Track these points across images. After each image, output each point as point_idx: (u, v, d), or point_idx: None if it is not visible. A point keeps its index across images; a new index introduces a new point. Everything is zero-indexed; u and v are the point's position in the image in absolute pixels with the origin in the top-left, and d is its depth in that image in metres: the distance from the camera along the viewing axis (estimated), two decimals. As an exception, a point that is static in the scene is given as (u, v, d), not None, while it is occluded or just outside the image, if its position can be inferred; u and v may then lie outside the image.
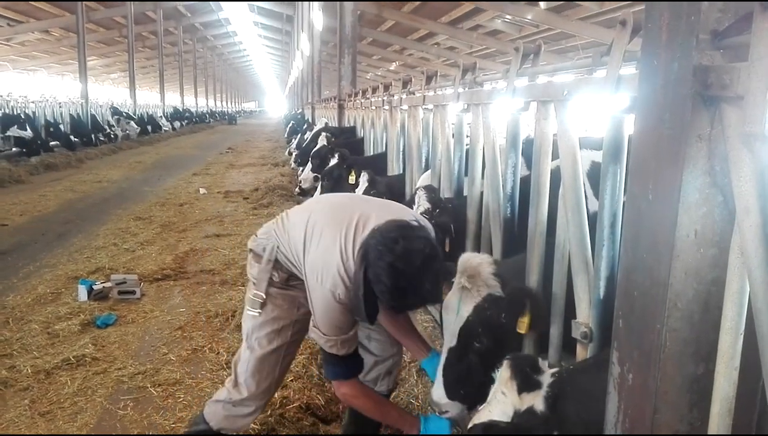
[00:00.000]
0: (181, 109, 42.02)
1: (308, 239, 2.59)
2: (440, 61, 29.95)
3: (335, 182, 6.44)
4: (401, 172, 6.01)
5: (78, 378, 4.03)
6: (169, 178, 14.42)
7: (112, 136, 23.67)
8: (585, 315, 2.21)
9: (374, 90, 8.53)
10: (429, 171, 4.78)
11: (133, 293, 5.64)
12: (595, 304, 2.13)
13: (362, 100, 9.49)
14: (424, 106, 4.97)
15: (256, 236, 2.87)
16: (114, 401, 3.78)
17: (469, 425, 1.91)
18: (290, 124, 22.35)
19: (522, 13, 18.89)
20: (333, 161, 6.84)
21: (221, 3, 37.46)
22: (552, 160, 2.63)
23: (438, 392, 2.48)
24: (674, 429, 1.48)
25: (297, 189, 9.00)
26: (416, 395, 3.78)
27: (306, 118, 21.86)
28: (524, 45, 2.86)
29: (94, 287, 5.59)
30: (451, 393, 2.46)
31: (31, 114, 19.33)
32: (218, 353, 4.41)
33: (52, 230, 8.51)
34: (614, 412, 1.65)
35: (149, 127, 29.29)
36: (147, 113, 31.88)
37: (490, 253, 3.37)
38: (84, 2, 25.74)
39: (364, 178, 5.17)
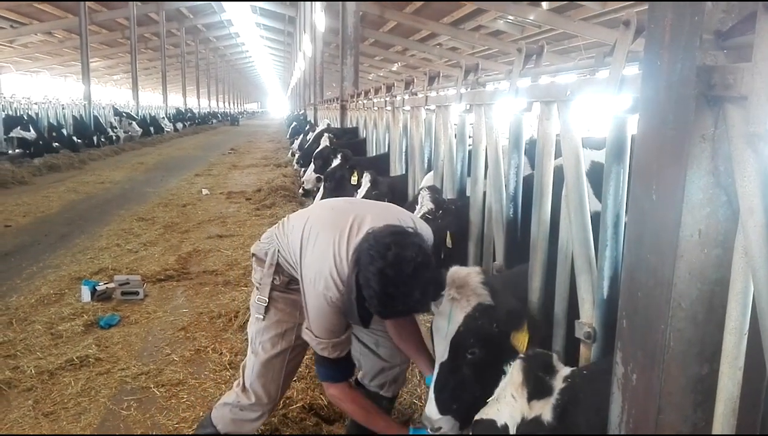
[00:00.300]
0: (183, 111, 42.08)
1: (305, 242, 2.61)
2: (442, 61, 29.96)
3: (338, 183, 6.43)
4: (404, 172, 6.01)
5: (81, 379, 4.03)
6: (172, 179, 14.44)
7: (114, 138, 23.69)
8: (588, 315, 2.20)
9: (377, 91, 8.53)
10: (432, 172, 4.78)
11: (136, 293, 5.65)
12: (599, 304, 2.13)
13: (365, 101, 9.48)
14: (426, 107, 4.97)
15: (260, 240, 2.89)
16: (117, 401, 3.78)
17: (476, 417, 1.90)
18: (293, 125, 22.37)
19: (524, 13, 18.88)
20: (335, 162, 6.84)
21: (223, 4, 37.49)
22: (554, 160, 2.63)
23: (430, 408, 2.45)
24: (678, 430, 1.48)
25: (300, 190, 9.00)
26: (419, 395, 3.78)
27: (308, 119, 21.87)
28: (527, 45, 2.86)
29: (98, 288, 5.60)
30: (443, 408, 2.44)
31: (34, 115, 19.37)
32: (221, 353, 4.42)
33: (55, 231, 8.53)
34: (618, 412, 1.65)
35: (152, 129, 29.34)
36: (149, 114, 31.94)
37: (493, 253, 3.37)
38: (87, 3, 25.80)
39: (366, 178, 5.17)
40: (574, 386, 1.82)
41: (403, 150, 6.17)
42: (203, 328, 4.93)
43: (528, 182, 2.98)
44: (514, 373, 1.85)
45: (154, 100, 48.52)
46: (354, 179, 5.99)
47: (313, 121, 19.14)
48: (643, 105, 1.55)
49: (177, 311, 5.34)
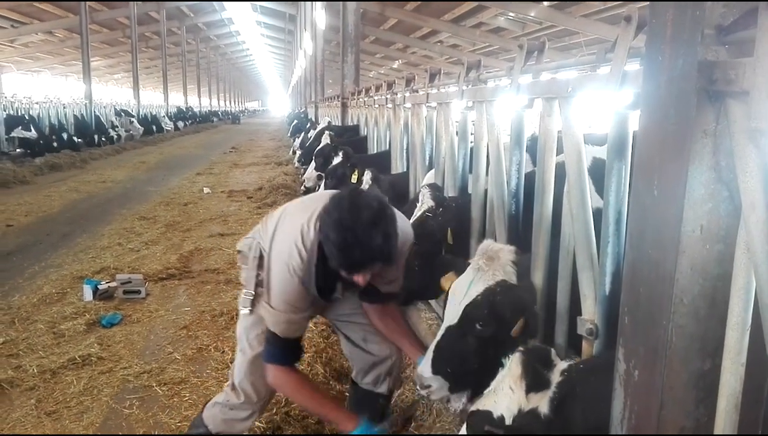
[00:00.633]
0: (184, 109, 42.09)
1: (278, 225, 2.64)
2: (443, 59, 29.92)
3: (338, 181, 6.43)
4: (405, 170, 6.01)
5: (84, 378, 4.04)
6: (173, 178, 14.44)
7: (115, 137, 23.70)
8: (590, 312, 2.21)
9: (377, 88, 8.52)
10: (434, 169, 4.78)
11: (138, 292, 5.66)
12: (601, 300, 2.13)
13: (365, 99, 9.48)
14: (427, 104, 4.97)
15: (245, 237, 2.90)
16: (120, 400, 3.79)
17: (471, 408, 1.90)
18: (293, 123, 22.37)
19: (525, 10, 18.87)
20: (336, 160, 6.84)
21: (224, 3, 37.49)
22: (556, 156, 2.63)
23: (425, 366, 2.46)
24: (680, 425, 1.48)
25: (301, 188, 9.00)
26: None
27: (309, 117, 21.87)
28: (528, 42, 2.86)
29: (99, 287, 5.60)
30: (437, 368, 2.44)
31: (35, 115, 19.38)
32: (223, 351, 4.42)
33: (57, 231, 8.53)
34: (620, 408, 1.65)
35: (153, 127, 29.36)
36: (150, 113, 31.94)
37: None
38: (87, 3, 25.80)
39: (367, 176, 5.17)
40: (571, 379, 1.83)
41: (404, 147, 6.16)
42: (205, 326, 4.93)
43: (530, 179, 2.98)
44: (512, 365, 1.86)
45: (156, 98, 48.56)
46: (355, 177, 5.99)
47: (314, 119, 19.14)
48: (644, 101, 1.55)
49: (179, 310, 5.34)
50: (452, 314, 2.48)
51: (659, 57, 1.43)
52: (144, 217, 9.49)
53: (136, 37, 31.91)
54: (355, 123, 11.43)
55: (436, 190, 3.75)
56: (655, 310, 1.47)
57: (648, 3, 1.50)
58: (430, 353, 2.48)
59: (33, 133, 17.46)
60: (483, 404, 1.89)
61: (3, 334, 4.72)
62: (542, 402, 1.79)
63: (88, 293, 5.55)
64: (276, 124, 46.92)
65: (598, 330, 2.15)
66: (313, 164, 8.61)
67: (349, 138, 9.85)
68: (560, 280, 2.48)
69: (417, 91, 5.58)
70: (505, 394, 1.83)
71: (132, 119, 27.12)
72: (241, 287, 2.84)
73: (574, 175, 2.30)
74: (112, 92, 50.89)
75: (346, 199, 2.32)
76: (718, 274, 1.40)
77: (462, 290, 2.46)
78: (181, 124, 36.21)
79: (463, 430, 1.96)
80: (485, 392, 1.97)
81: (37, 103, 21.18)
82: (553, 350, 1.95)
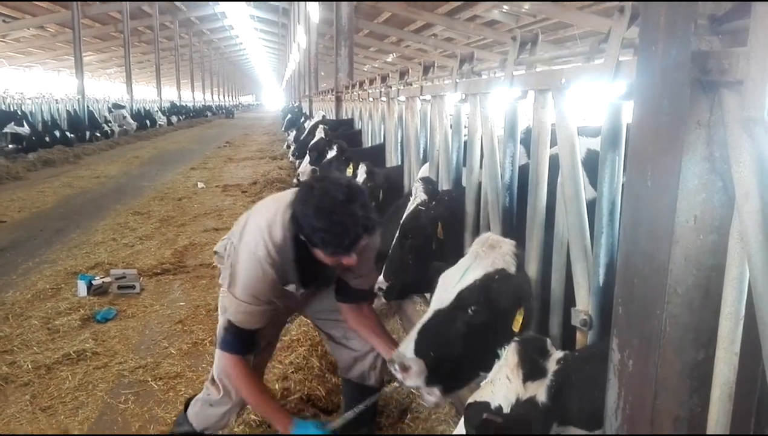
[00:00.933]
0: (178, 104, 41.89)
1: (246, 223, 2.67)
2: (437, 52, 29.85)
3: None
4: (399, 163, 6.00)
5: (79, 373, 4.03)
6: (167, 172, 14.40)
7: (108, 132, 23.58)
8: (584, 303, 2.21)
9: (371, 81, 8.50)
10: (428, 162, 4.77)
11: (133, 287, 5.64)
12: (595, 291, 2.13)
13: (360, 92, 9.46)
14: (421, 97, 4.96)
15: (222, 239, 2.92)
16: (115, 395, 3.78)
17: (469, 400, 1.91)
18: (288, 118, 22.29)
19: (519, 3, 18.82)
20: (331, 154, 6.83)
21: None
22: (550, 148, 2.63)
23: (407, 346, 2.36)
24: (674, 415, 1.48)
25: (295, 181, 8.99)
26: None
27: (303, 111, 21.80)
28: (522, 34, 2.85)
29: (94, 282, 5.59)
30: (420, 350, 2.34)
31: (27, 111, 19.25)
32: (219, 346, 4.41)
33: (51, 226, 8.50)
34: (614, 398, 1.65)
35: (147, 122, 29.21)
36: (144, 108, 31.77)
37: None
38: (79, -3, 25.63)
39: (362, 170, 5.17)
40: (567, 368, 1.85)
41: (399, 141, 6.15)
42: (200, 321, 4.93)
43: (524, 171, 2.98)
44: (509, 355, 1.87)
45: (149, 93, 48.30)
46: (349, 171, 5.98)
47: (308, 113, 19.08)
48: (638, 91, 1.54)
49: (174, 305, 5.33)
50: (442, 298, 2.42)
51: (653, 47, 1.42)
52: (138, 212, 9.46)
53: (129, 32, 31.72)
54: (350, 117, 11.41)
55: (428, 183, 3.74)
56: (649, 300, 1.47)
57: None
58: (413, 334, 2.39)
59: (25, 129, 17.33)
60: (480, 395, 1.89)
61: (-3, 330, 4.71)
62: (540, 391, 1.80)
63: (82, 288, 5.53)
64: (270, 119, 46.77)
65: (592, 321, 2.15)
66: (307, 158, 8.59)
67: (344, 132, 9.82)
68: (554, 271, 2.48)
69: (411, 84, 5.56)
70: (503, 384, 1.84)
71: (124, 113, 26.91)
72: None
73: (568, 167, 2.30)
74: (105, 87, 50.60)
75: (315, 187, 2.38)
76: (712, 264, 1.40)
77: (455, 277, 2.43)
78: (174, 118, 36.04)
79: (461, 423, 1.96)
80: (482, 383, 1.97)
81: (29, 98, 21.02)
82: (548, 340, 1.96)
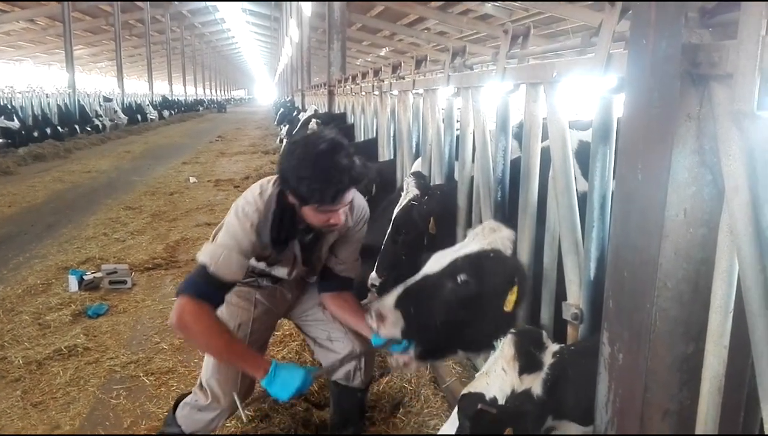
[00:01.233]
0: (169, 98, 41.69)
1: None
2: (430, 46, 29.80)
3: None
4: (392, 157, 5.99)
5: (70, 368, 4.01)
6: (159, 167, 14.33)
7: (100, 126, 23.45)
8: (575, 296, 2.21)
9: (364, 75, 8.48)
10: (421, 157, 4.76)
11: (124, 282, 5.62)
12: (586, 285, 2.13)
13: (352, 86, 9.43)
14: (414, 91, 4.95)
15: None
16: (107, 390, 3.77)
17: (463, 391, 1.91)
18: (280, 112, 22.23)
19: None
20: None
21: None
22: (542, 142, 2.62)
23: (388, 299, 2.31)
24: (664, 408, 1.49)
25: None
26: (409, 379, 3.79)
27: (296, 105, 21.74)
28: (513, 27, 2.84)
29: (85, 278, 5.56)
30: (401, 303, 2.31)
31: (18, 105, 19.12)
32: (211, 341, 4.40)
33: (42, 221, 8.45)
34: (605, 392, 1.66)
35: (139, 116, 29.06)
36: (135, 102, 31.60)
37: (482, 237, 3.37)
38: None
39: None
40: (563, 361, 1.85)
41: (391, 135, 6.14)
42: (192, 316, 4.90)
43: (516, 165, 2.98)
44: (505, 347, 1.87)
45: (140, 87, 48.07)
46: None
47: (300, 107, 19.02)
48: (628, 84, 1.54)
49: (165, 300, 5.31)
50: (433, 266, 2.39)
51: (643, 40, 1.42)
52: (129, 207, 9.41)
53: (120, 25, 31.53)
54: (342, 111, 11.37)
55: (420, 178, 3.74)
56: (639, 294, 1.47)
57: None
58: (397, 289, 2.35)
59: (15, 123, 17.20)
60: (474, 386, 1.89)
61: (-13, 326, 4.68)
62: (535, 383, 1.81)
63: (73, 283, 5.50)
64: (263, 113, 46.65)
65: (583, 315, 2.15)
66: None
67: (336, 126, 9.79)
68: (545, 265, 2.48)
69: (403, 78, 5.55)
70: (498, 375, 1.84)
71: (115, 107, 26.72)
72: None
73: (559, 161, 2.30)
74: (96, 81, 50.27)
75: (299, 142, 2.43)
76: (702, 258, 1.41)
77: (450, 253, 2.42)
78: (166, 113, 35.86)
79: (453, 416, 1.96)
80: (477, 374, 1.97)
81: (19, 92, 20.89)
82: (544, 332, 1.97)
